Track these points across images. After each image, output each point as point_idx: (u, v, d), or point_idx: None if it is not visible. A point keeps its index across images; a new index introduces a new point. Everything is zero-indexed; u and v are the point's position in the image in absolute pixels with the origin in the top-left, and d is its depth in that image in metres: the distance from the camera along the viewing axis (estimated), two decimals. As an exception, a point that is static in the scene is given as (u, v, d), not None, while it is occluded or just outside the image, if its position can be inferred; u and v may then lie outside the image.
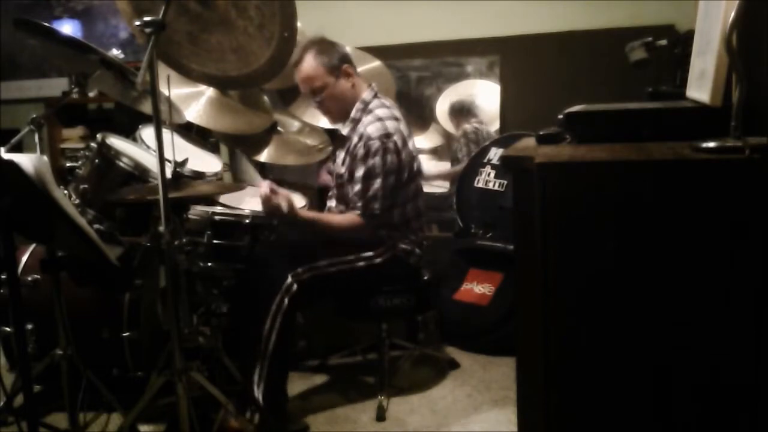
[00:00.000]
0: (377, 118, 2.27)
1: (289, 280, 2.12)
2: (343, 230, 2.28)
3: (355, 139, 2.29)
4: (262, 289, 2.15)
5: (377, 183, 2.23)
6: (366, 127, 2.25)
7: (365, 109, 2.33)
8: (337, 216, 2.38)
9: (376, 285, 2.35)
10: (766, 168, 0.99)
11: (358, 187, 2.24)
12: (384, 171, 2.23)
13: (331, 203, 2.49)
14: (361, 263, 2.27)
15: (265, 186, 2.16)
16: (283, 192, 2.18)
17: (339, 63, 2.30)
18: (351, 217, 2.27)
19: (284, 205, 2.13)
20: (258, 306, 2.12)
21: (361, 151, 2.23)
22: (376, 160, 2.22)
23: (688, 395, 1.08)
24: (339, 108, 2.36)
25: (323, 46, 2.31)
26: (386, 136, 2.23)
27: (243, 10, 2.05)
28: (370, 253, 2.29)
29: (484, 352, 2.81)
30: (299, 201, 2.56)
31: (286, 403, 2.21)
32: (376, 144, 2.21)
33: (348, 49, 2.46)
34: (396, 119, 2.30)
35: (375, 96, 2.36)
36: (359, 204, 2.24)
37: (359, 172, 2.24)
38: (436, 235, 3.47)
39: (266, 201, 2.14)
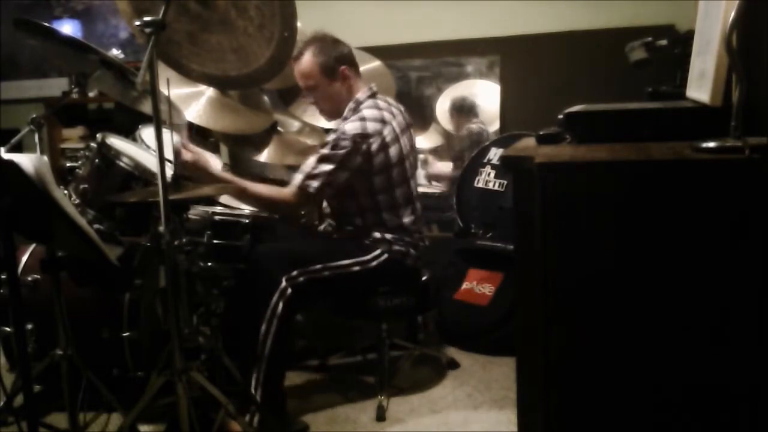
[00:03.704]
0: (361, 117, 2.26)
1: (284, 284, 2.12)
2: (269, 202, 2.26)
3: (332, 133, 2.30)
4: (259, 290, 2.15)
5: (327, 167, 2.21)
6: (347, 123, 2.25)
7: (356, 109, 2.32)
8: (266, 186, 2.34)
9: (373, 287, 2.35)
10: (766, 168, 0.99)
11: (309, 162, 2.23)
12: (341, 164, 2.21)
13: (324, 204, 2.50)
14: (357, 267, 2.26)
15: (177, 139, 2.10)
16: (198, 150, 2.16)
17: (336, 64, 2.29)
18: (282, 191, 2.25)
19: (189, 158, 2.10)
20: (255, 307, 2.12)
21: (330, 141, 2.23)
22: (340, 153, 2.20)
23: (688, 395, 1.08)
24: (331, 107, 2.37)
25: (324, 44, 2.31)
26: (362, 136, 2.21)
27: (243, 10, 2.05)
28: (365, 258, 2.28)
29: (484, 352, 2.81)
30: (216, 163, 2.48)
31: (285, 404, 2.21)
32: (346, 142, 2.20)
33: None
34: (383, 122, 2.27)
35: (371, 96, 2.35)
36: (299, 176, 2.23)
37: (318, 153, 2.23)
38: (436, 235, 3.48)
39: (176, 154, 2.08)
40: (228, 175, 2.28)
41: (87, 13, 4.10)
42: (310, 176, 2.22)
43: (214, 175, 2.19)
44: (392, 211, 2.33)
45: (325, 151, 2.22)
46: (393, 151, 2.29)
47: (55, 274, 1.86)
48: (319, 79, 2.30)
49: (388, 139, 2.27)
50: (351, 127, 2.23)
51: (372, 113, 2.28)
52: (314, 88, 2.32)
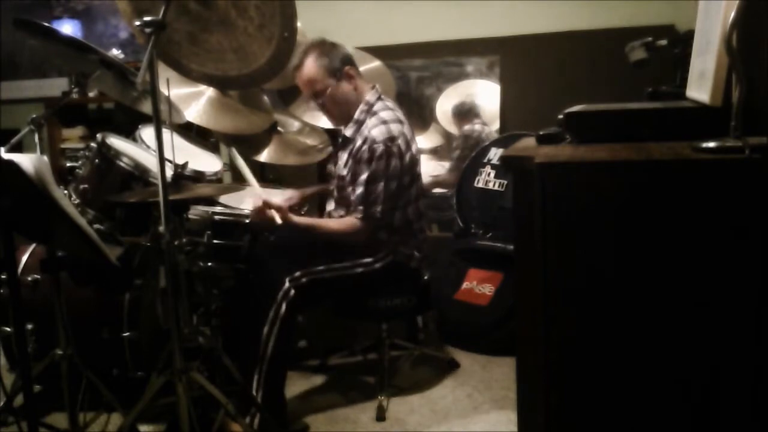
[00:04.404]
0: (382, 120, 2.26)
1: (287, 285, 2.12)
2: (341, 234, 2.26)
3: (359, 141, 2.28)
4: (261, 291, 2.15)
5: (380, 187, 2.22)
6: (370, 130, 2.24)
7: (369, 111, 2.32)
8: (335, 220, 2.36)
9: (375, 289, 2.35)
10: (766, 168, 0.99)
11: (360, 190, 2.23)
12: (387, 175, 2.22)
13: (330, 206, 2.48)
14: (360, 269, 2.26)
15: (257, 201, 2.16)
16: (275, 202, 2.17)
17: (341, 65, 2.29)
18: (350, 221, 2.25)
19: (277, 218, 2.13)
20: (257, 308, 2.12)
21: (365, 155, 2.22)
22: (380, 164, 2.21)
23: (688, 395, 1.08)
24: (341, 110, 2.35)
25: (324, 48, 2.30)
26: (390, 139, 2.21)
27: (243, 10, 2.04)
28: (369, 259, 2.28)
29: (484, 352, 2.81)
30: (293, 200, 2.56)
31: (285, 405, 2.21)
32: (380, 148, 2.20)
33: (349, 49, 2.44)
34: (400, 122, 2.29)
35: (379, 98, 2.35)
36: (360, 207, 2.23)
37: (363, 176, 2.22)
38: (436, 235, 3.47)
39: (258, 214, 2.15)
40: (302, 219, 2.29)
41: (87, 13, 4.10)
42: (369, 203, 2.22)
43: (293, 223, 2.20)
44: (403, 211, 2.33)
45: (367, 170, 2.21)
46: (414, 149, 2.32)
47: (55, 274, 1.86)
48: (327, 82, 2.28)
49: (409, 137, 2.30)
50: (378, 132, 2.22)
51: (389, 115, 2.29)
52: (322, 93, 2.30)
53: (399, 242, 2.33)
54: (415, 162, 2.33)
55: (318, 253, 2.25)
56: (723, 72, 1.11)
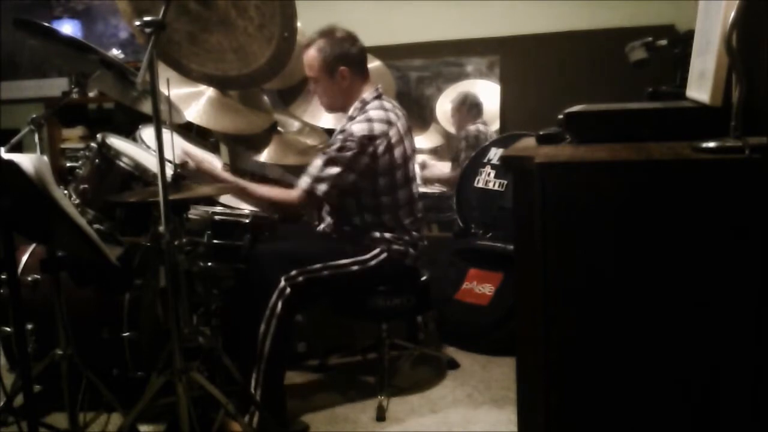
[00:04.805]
0: (367, 118, 2.27)
1: (282, 283, 2.12)
2: (273, 201, 2.32)
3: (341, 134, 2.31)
4: (258, 290, 2.15)
5: (334, 170, 2.23)
6: (353, 124, 2.26)
7: (362, 109, 2.33)
8: (273, 189, 2.39)
9: (372, 287, 2.35)
10: (766, 168, 0.99)
11: (317, 163, 2.25)
12: (348, 166, 2.23)
13: (325, 207, 2.50)
14: (356, 267, 2.27)
15: (179, 149, 2.22)
16: (198, 153, 2.26)
17: (336, 64, 2.30)
18: (289, 194, 2.29)
19: (191, 163, 2.23)
20: (255, 307, 2.12)
21: (337, 143, 2.24)
22: (347, 155, 2.22)
23: (688, 395, 1.08)
24: (326, 101, 2.41)
25: (330, 40, 2.31)
26: (368, 138, 2.22)
27: (243, 10, 2.05)
28: (364, 257, 2.29)
29: (484, 352, 2.81)
30: (217, 163, 2.58)
31: (285, 404, 2.21)
32: (353, 144, 2.21)
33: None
34: (389, 123, 2.28)
35: (377, 97, 2.36)
36: (307, 179, 2.25)
37: (326, 155, 2.24)
38: (436, 235, 3.48)
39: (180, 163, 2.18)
40: (232, 177, 2.34)
41: (87, 13, 4.10)
42: (317, 179, 2.24)
43: (218, 177, 2.27)
44: (393, 212, 2.33)
45: (332, 153, 2.23)
46: (397, 152, 2.30)
47: (55, 274, 1.86)
48: (318, 74, 2.33)
49: (393, 140, 2.28)
50: (358, 128, 2.23)
51: (378, 114, 2.28)
52: (314, 80, 2.37)
53: (392, 240, 2.33)
54: (395, 166, 2.30)
55: (314, 252, 2.26)
56: (723, 72, 1.11)
